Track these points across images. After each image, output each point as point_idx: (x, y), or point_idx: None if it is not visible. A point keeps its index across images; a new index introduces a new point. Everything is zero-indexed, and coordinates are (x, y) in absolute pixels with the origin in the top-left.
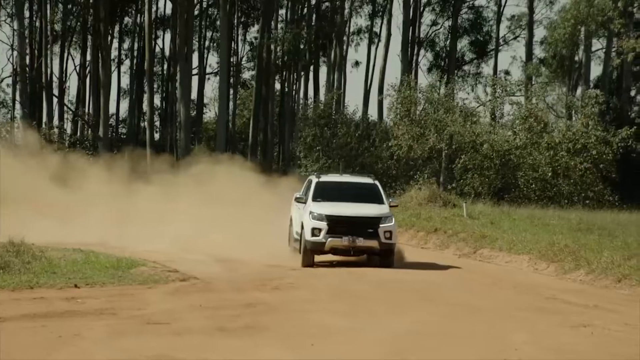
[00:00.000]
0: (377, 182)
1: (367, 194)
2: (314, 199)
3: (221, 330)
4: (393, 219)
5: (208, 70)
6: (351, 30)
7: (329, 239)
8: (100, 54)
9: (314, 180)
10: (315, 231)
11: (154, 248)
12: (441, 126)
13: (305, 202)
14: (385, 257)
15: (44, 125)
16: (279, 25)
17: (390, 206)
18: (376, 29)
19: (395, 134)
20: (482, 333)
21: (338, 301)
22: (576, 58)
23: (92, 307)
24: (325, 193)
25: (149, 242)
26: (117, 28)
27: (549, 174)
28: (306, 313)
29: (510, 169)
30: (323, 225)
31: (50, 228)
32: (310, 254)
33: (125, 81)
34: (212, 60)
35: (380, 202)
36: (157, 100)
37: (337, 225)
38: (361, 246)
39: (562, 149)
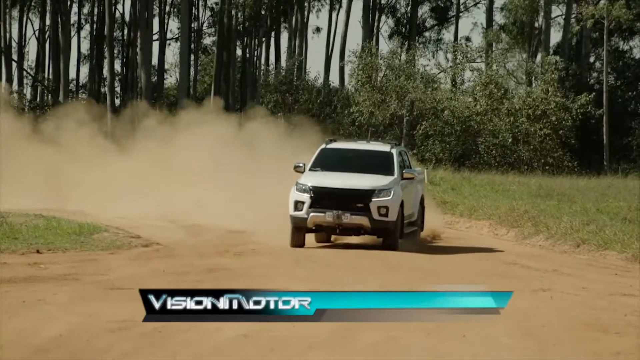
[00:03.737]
0: (394, 151)
1: (375, 164)
2: (312, 168)
3: None
4: (392, 192)
5: (169, 35)
6: None
7: (312, 214)
8: (59, 19)
9: (321, 146)
10: (298, 205)
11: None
12: (402, 92)
13: (303, 172)
14: (384, 237)
15: (2, 90)
16: None
17: (403, 178)
18: None
19: (357, 100)
20: None
21: (300, 267)
22: (536, 24)
23: (55, 273)
24: (327, 161)
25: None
26: None
27: (509, 140)
28: (268, 278)
29: (470, 135)
30: (306, 198)
31: (34, 195)
32: (296, 232)
33: (85, 46)
34: (173, 25)
35: (389, 172)
36: (117, 66)
37: (322, 198)
38: (348, 223)
39: (522, 115)
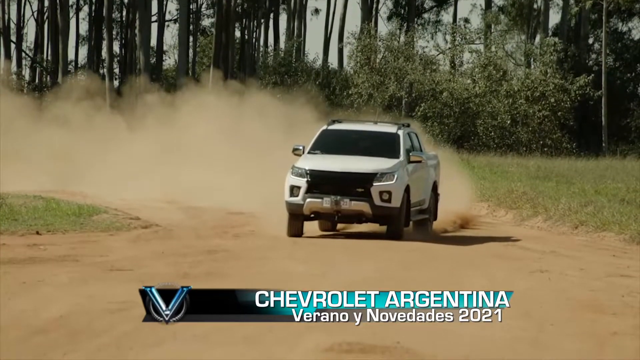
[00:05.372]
0: (400, 132)
1: (380, 146)
2: (312, 150)
3: (183, 277)
4: (396, 176)
5: (167, 17)
6: None
7: (308, 200)
8: (58, 0)
9: (322, 127)
10: (294, 190)
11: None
12: (401, 74)
13: (302, 155)
14: (388, 225)
15: (1, 72)
16: None
17: (410, 161)
18: None
19: (356, 82)
20: (441, 279)
21: (298, 249)
22: (535, 6)
23: (55, 254)
24: (327, 144)
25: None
26: None
27: (508, 122)
28: (267, 260)
29: (469, 117)
30: (302, 182)
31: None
32: (293, 220)
33: (84, 27)
34: (172, 7)
35: (395, 155)
36: (116, 47)
37: (319, 182)
38: (347, 209)
39: (520, 97)
